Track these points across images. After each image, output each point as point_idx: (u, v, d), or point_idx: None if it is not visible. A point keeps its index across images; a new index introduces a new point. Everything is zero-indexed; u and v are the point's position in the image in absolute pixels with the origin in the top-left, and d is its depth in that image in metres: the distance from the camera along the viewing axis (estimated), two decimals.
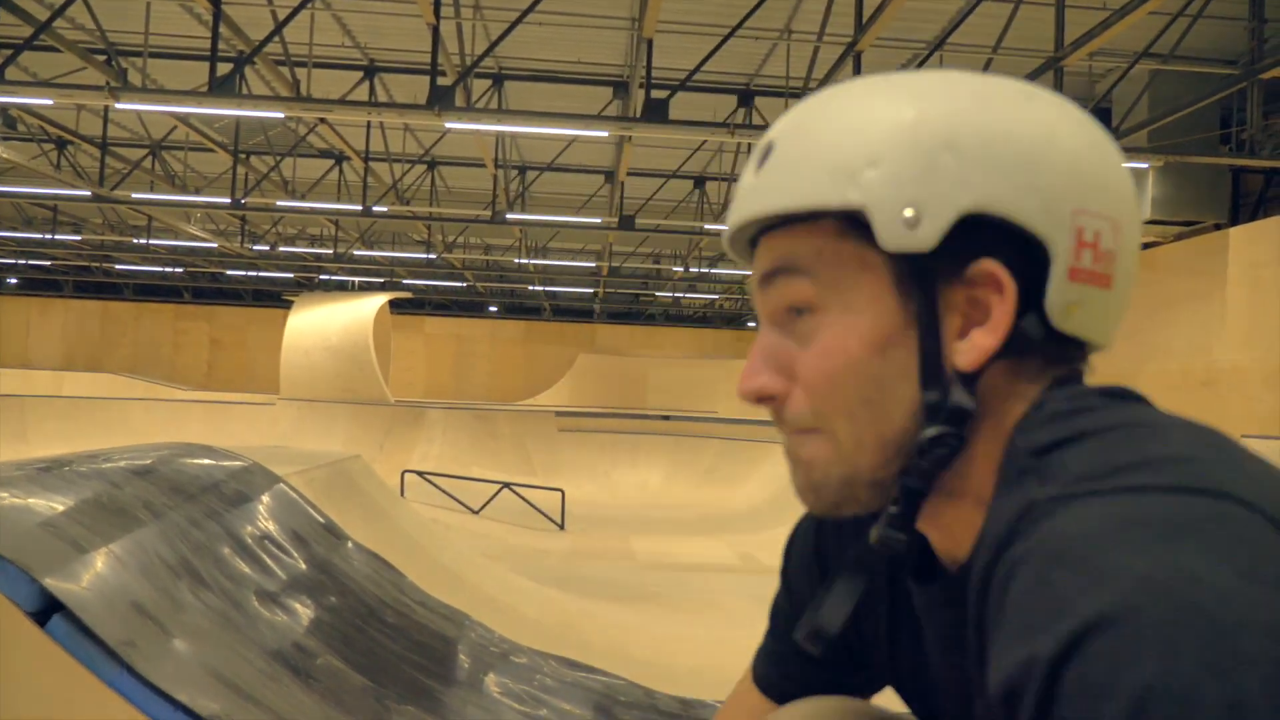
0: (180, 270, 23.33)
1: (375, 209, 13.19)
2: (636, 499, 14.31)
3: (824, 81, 8.25)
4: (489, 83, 10.64)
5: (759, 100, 10.71)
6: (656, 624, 5.37)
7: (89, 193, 12.63)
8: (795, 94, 9.46)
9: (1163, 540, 0.42)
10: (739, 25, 7.84)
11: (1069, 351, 0.60)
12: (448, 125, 8.22)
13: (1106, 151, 0.60)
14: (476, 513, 10.98)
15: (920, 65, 8.60)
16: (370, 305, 17.94)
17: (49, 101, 8.55)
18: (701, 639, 5.10)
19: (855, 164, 0.57)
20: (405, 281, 23.32)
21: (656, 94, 7.88)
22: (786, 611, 0.82)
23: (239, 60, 7.66)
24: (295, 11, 7.65)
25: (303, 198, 14.63)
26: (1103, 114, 9.97)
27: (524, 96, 11.17)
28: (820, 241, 0.59)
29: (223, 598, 2.84)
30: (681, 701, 3.43)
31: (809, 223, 0.59)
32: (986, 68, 9.17)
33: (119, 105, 7.74)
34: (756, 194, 0.61)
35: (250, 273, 22.89)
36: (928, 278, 0.57)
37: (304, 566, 3.43)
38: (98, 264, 23.09)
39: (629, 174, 12.21)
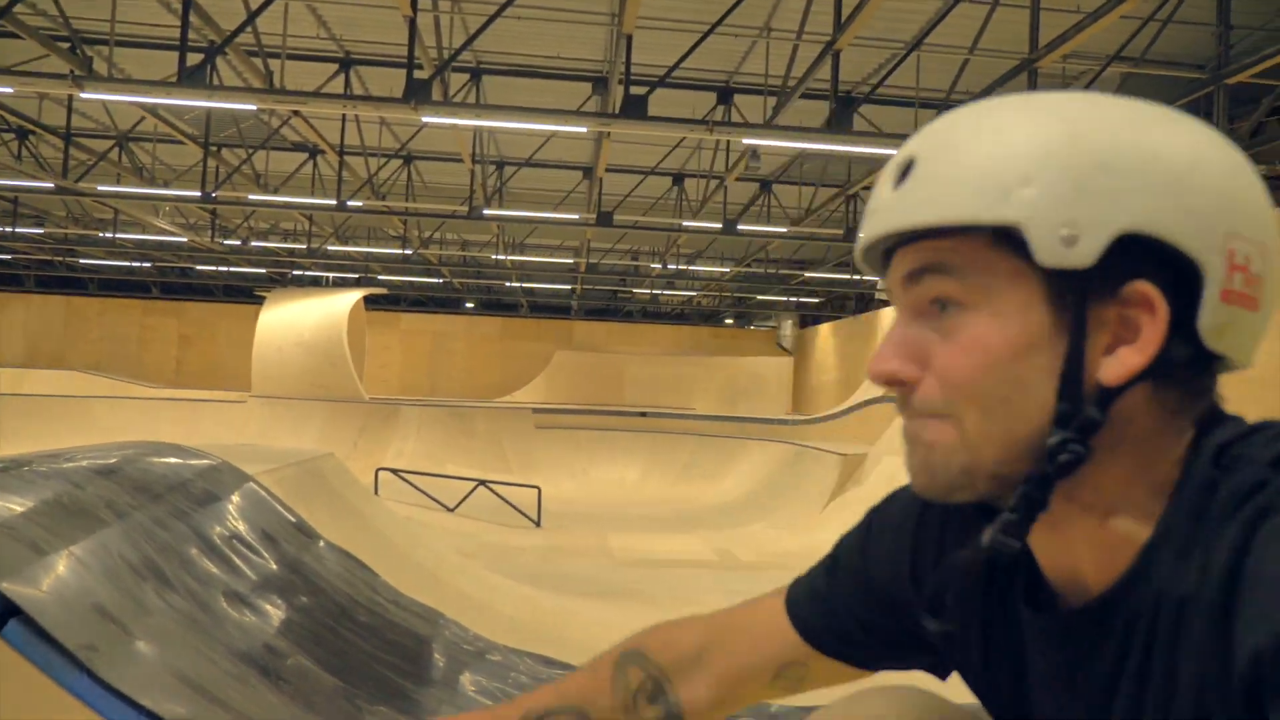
0: (148, 265, 22.98)
1: (350, 204, 13.05)
2: (613, 496, 14.29)
3: (803, 80, 8.26)
4: (466, 77, 10.55)
5: (738, 98, 10.70)
6: (633, 620, 5.34)
7: (52, 184, 12.38)
8: (774, 91, 9.46)
9: None
10: (719, 22, 7.83)
11: (1205, 380, 0.62)
12: (424, 119, 8.14)
13: (1251, 175, 0.62)
14: (452, 510, 10.91)
15: (898, 65, 8.63)
16: (344, 301, 17.77)
17: (9, 90, 8.37)
18: None
19: (1008, 182, 0.59)
20: (380, 277, 23.13)
21: (636, 90, 7.84)
22: (854, 572, 0.83)
23: (210, 50, 7.54)
24: (269, 1, 7.54)
25: (275, 192, 14.45)
26: None
27: (502, 91, 11.10)
28: (970, 250, 0.61)
29: (189, 599, 2.78)
30: None
31: (957, 234, 0.61)
32: (963, 69, 9.23)
33: (84, 95, 7.59)
34: (903, 208, 0.63)
35: (221, 268, 22.59)
36: (1081, 293, 0.59)
37: (274, 566, 3.37)
38: (61, 258, 22.68)
39: (607, 170, 12.17)
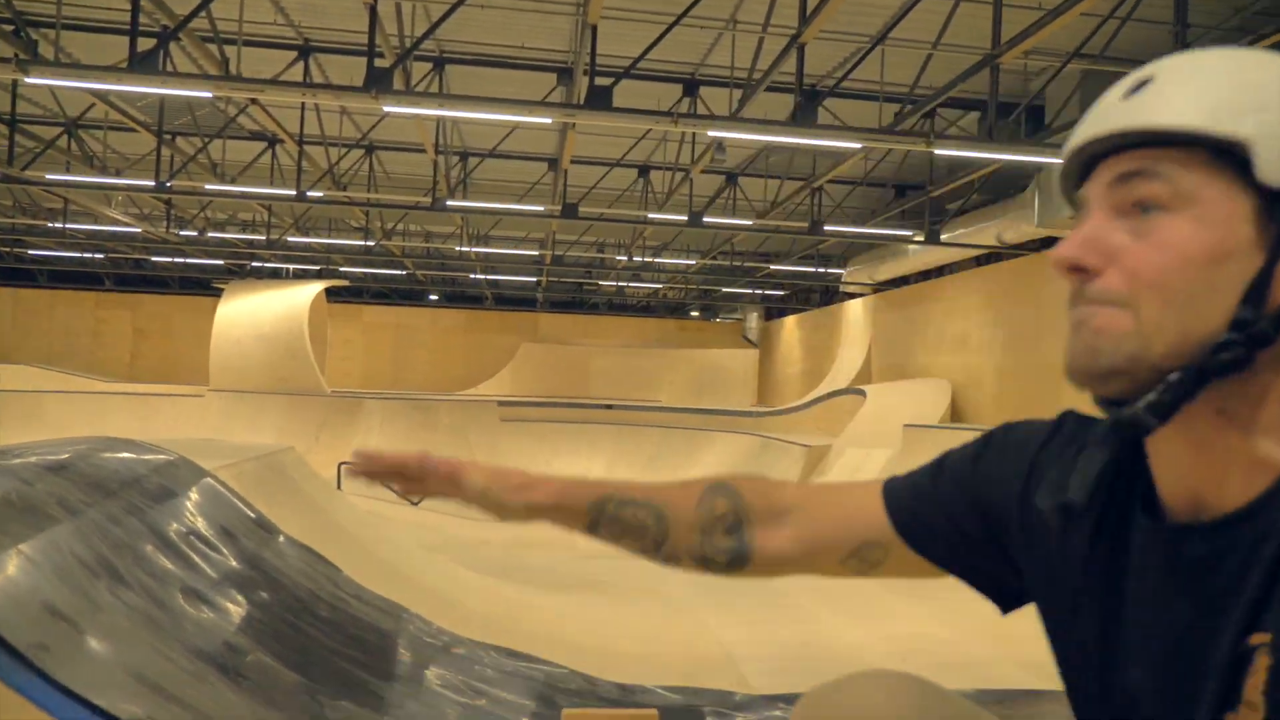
0: (101, 256, 22.44)
1: (310, 194, 12.84)
2: None
3: (769, 72, 8.28)
4: (429, 66, 10.42)
5: (704, 90, 10.69)
6: (598, 612, 5.34)
7: None
8: (740, 84, 9.46)
9: None
10: (684, 14, 7.81)
11: None
12: (386, 109, 8.02)
13: None
14: (416, 504, 10.81)
15: (862, 59, 8.67)
16: (305, 293, 17.53)
17: None
18: (642, 626, 5.09)
19: (1244, 106, 0.64)
20: (342, 269, 22.84)
21: (601, 81, 7.80)
22: (960, 479, 0.86)
23: (163, 35, 7.36)
24: None
25: (233, 181, 14.17)
26: (1036, 112, 10.21)
27: (466, 81, 10.98)
28: (1187, 160, 0.66)
29: (145, 596, 2.72)
30: (622, 688, 3.40)
31: (1177, 145, 0.65)
32: (926, 63, 9.31)
33: (29, 80, 7.37)
34: (1135, 113, 0.67)
35: (177, 259, 22.12)
36: None
37: (233, 562, 3.31)
38: (8, 249, 22.07)
39: (573, 162, 12.11)
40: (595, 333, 26.34)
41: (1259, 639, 0.60)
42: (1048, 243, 12.58)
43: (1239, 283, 0.64)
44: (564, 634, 4.42)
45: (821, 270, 19.40)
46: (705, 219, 13.53)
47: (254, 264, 22.76)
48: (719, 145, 11.01)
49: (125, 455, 3.69)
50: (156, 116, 12.05)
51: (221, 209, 18.62)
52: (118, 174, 13.85)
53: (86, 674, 1.99)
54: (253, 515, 3.81)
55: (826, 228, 13.72)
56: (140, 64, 7.04)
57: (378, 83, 7.41)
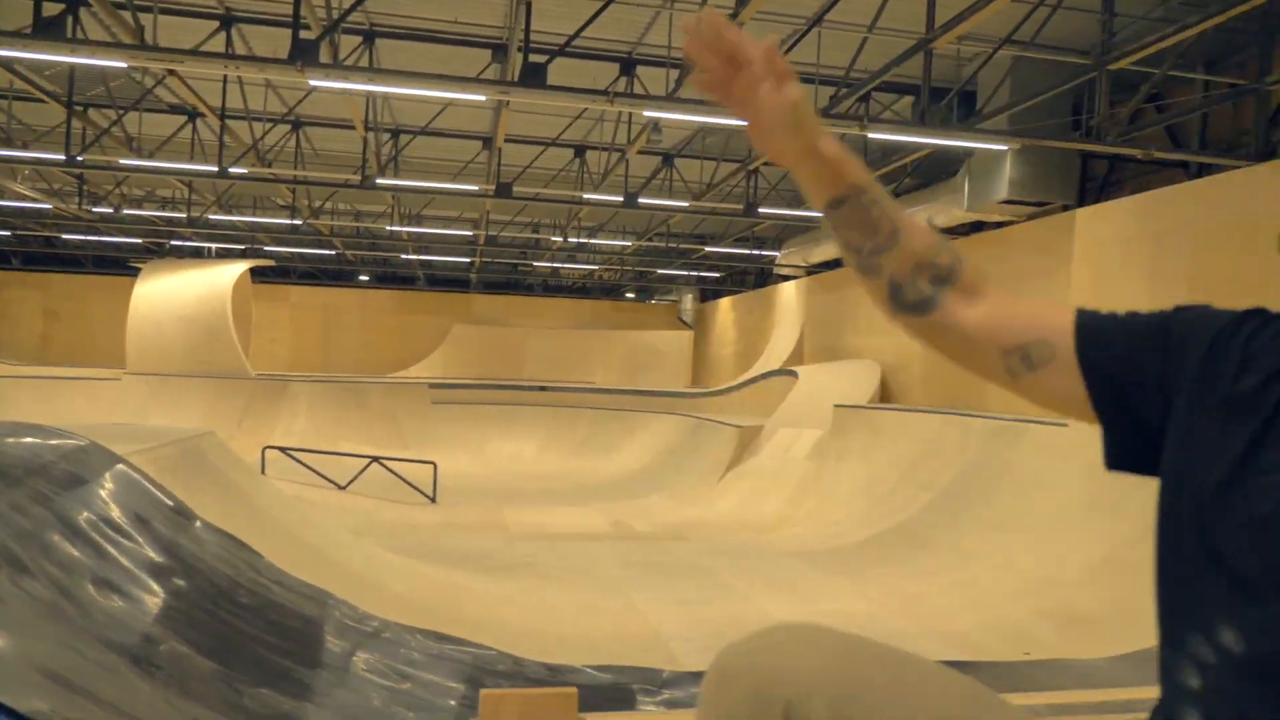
0: (8, 233, 21.38)
1: (233, 170, 12.41)
2: (511, 470, 14.18)
3: None
4: (359, 40, 10.13)
5: (641, 69, 10.63)
6: (527, 593, 5.32)
7: None
8: (677, 64, 9.43)
9: None
10: None
11: None
12: (312, 83, 7.77)
13: None
14: (344, 488, 10.61)
15: (798, 41, 8.72)
16: (228, 273, 17.00)
17: None
18: (572, 606, 5.08)
19: None
20: (268, 248, 22.18)
21: (535, 58, 7.69)
22: (1155, 322, 0.89)
23: (72, 0, 6.99)
24: None
25: (151, 156, 13.60)
26: (968, 97, 10.41)
27: (396, 56, 10.71)
28: None
29: (51, 587, 2.60)
30: (549, 668, 3.39)
31: None
32: (861, 46, 9.39)
33: None
34: None
35: (91, 237, 21.18)
36: None
37: (147, 550, 3.19)
38: None
39: (507, 140, 11.93)
40: (530, 314, 26.14)
41: None
42: (977, 227, 12.88)
43: None
44: (493, 616, 4.39)
45: (756, 253, 19.56)
46: (641, 200, 13.49)
47: (174, 242, 21.94)
48: (655, 126, 10.97)
49: (29, 440, 3.52)
50: (67, 87, 11.48)
51: (139, 185, 17.89)
52: (24, 147, 13.16)
53: None
54: (170, 502, 3.68)
55: (761, 210, 13.82)
56: (46, 30, 6.68)
57: (303, 55, 7.17)
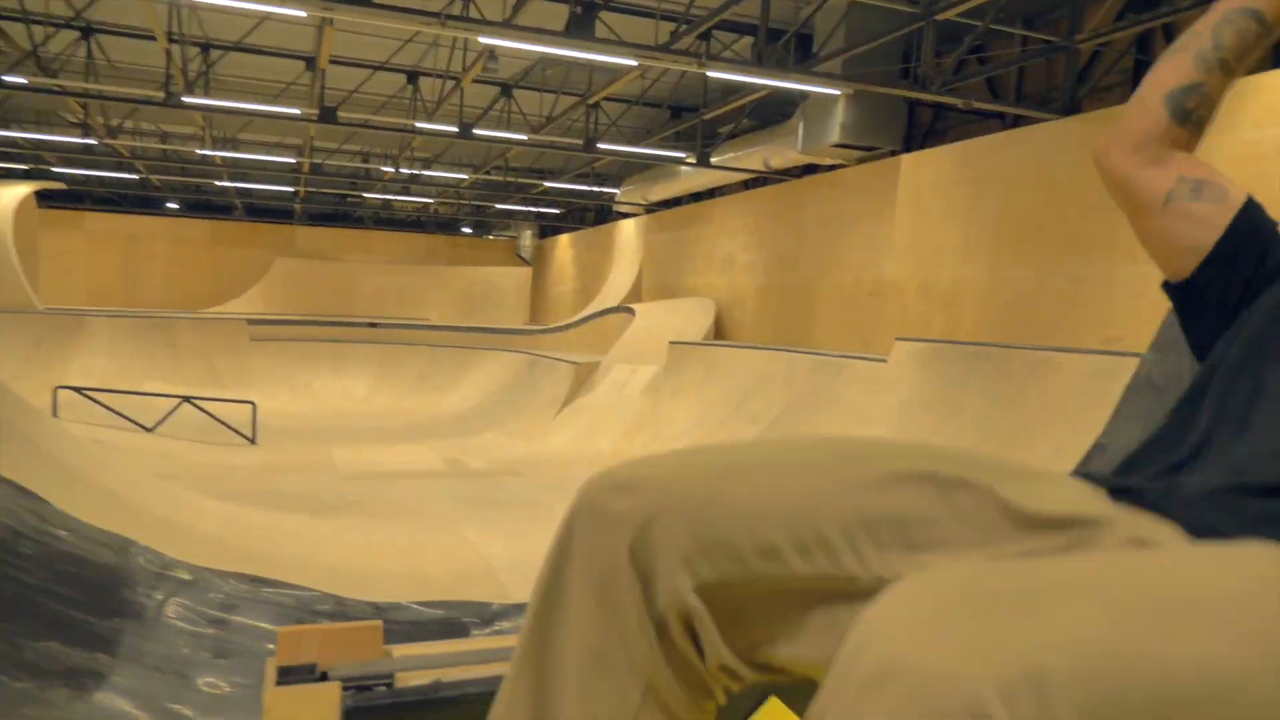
0: None
1: (8, 79, 10.99)
2: (340, 410, 13.66)
3: None
4: None
5: None
6: (353, 532, 5.14)
7: None
8: None
9: None
10: None
11: None
12: None
13: None
14: (150, 430, 9.86)
15: None
16: (8, 196, 15.24)
17: None
18: (399, 544, 4.96)
19: None
20: (56, 170, 19.96)
21: None
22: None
23: None
24: None
25: None
26: (805, 40, 10.61)
27: None
28: None
29: None
30: (375, 606, 3.29)
31: None
32: None
33: None
34: None
35: None
36: None
37: None
38: None
39: (332, 62, 11.16)
40: (360, 248, 25.00)
41: None
42: (810, 169, 13.30)
43: None
44: (317, 557, 4.21)
45: (596, 189, 19.42)
46: (477, 131, 13.04)
47: None
48: (491, 54, 10.55)
49: None
50: None
51: None
52: None
53: None
54: None
55: (601, 146, 13.68)
56: None
57: None
